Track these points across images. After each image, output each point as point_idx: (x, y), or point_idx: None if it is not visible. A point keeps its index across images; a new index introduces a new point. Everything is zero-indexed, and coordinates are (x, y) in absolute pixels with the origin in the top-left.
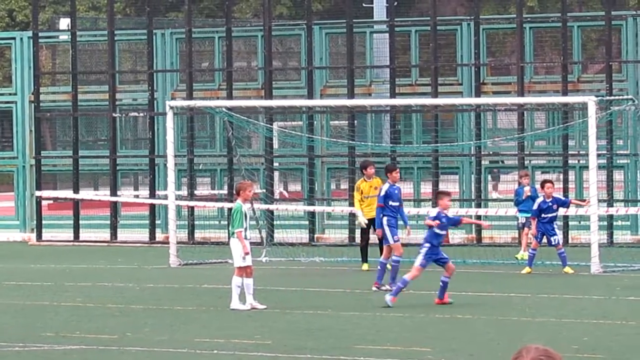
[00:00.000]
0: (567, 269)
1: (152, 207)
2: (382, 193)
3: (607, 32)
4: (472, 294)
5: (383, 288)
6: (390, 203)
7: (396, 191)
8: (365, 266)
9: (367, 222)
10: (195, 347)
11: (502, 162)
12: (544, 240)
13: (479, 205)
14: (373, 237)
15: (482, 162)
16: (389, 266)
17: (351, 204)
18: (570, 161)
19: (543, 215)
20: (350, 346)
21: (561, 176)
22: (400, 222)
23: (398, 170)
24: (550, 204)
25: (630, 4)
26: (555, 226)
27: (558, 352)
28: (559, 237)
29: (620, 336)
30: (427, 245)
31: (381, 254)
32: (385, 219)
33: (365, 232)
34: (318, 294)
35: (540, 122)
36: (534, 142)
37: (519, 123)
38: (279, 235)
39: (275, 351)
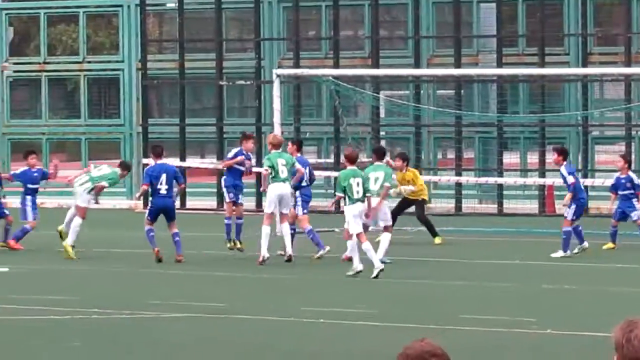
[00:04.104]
0: None
1: (258, 175)
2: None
3: None
4: (577, 264)
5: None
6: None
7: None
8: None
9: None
10: (301, 316)
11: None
12: None
13: (585, 176)
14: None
15: (589, 133)
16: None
17: (458, 174)
18: None
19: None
20: (456, 316)
21: None
22: None
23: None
24: (623, 180)
25: None
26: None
27: None
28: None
29: None
30: None
31: None
32: None
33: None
34: (424, 263)
35: None
36: None
37: (625, 94)
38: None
39: (380, 320)
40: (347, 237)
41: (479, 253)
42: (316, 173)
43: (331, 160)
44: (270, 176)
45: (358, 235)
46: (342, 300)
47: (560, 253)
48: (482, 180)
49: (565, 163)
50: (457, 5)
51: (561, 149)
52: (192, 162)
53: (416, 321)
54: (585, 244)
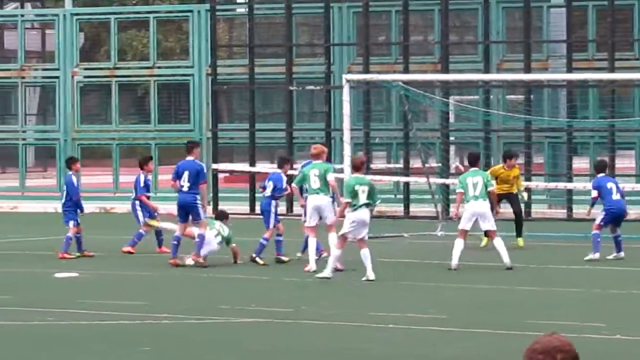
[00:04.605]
0: None
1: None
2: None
3: None
4: None
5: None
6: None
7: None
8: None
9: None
10: (370, 321)
11: None
12: None
13: None
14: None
15: None
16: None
17: (527, 179)
18: None
19: None
20: (525, 321)
21: None
22: None
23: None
24: None
25: None
26: None
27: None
28: None
29: None
30: None
31: None
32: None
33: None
34: (493, 268)
35: None
36: None
37: None
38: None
39: (449, 325)
40: (340, 247)
41: (548, 258)
42: (385, 178)
43: (400, 165)
44: (306, 189)
45: (339, 238)
46: (410, 306)
47: (590, 255)
48: (552, 185)
49: (599, 176)
50: (527, 10)
51: (595, 164)
52: (262, 167)
53: (485, 326)
54: (622, 254)
